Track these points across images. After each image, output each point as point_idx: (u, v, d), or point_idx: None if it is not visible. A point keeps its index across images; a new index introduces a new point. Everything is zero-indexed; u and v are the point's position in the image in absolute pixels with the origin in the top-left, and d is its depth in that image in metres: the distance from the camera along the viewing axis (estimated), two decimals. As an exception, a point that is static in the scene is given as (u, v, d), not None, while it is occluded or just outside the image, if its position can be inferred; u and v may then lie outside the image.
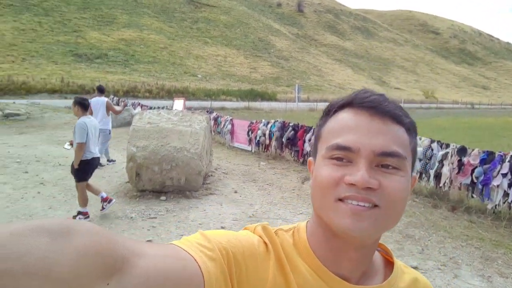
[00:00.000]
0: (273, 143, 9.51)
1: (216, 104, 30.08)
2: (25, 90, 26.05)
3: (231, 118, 11.63)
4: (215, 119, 12.21)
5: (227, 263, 0.54)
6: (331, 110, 0.65)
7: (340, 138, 0.58)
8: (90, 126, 4.97)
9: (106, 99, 8.39)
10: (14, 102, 18.07)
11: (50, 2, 53.44)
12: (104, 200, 5.20)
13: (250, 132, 10.38)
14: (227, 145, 11.40)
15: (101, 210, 5.20)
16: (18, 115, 15.03)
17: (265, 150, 9.91)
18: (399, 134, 0.59)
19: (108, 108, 8.25)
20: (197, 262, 0.49)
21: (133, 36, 53.03)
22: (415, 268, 3.79)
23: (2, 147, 9.74)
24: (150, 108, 15.47)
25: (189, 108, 17.02)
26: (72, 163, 5.05)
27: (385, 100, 0.61)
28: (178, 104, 11.27)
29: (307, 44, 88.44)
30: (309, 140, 8.46)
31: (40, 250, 0.34)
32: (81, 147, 4.86)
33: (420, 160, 5.95)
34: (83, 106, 5.03)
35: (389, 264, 0.72)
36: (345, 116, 0.61)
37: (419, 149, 5.92)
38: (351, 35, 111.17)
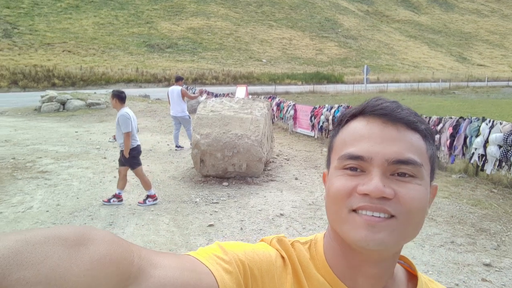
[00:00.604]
0: (337, 128, 9.25)
1: (280, 88, 30.00)
2: (105, 81, 28.39)
3: (294, 103, 11.53)
4: (278, 105, 12.19)
5: (243, 277, 0.53)
6: (343, 120, 0.63)
7: (353, 147, 0.57)
8: (132, 115, 5.24)
9: (180, 87, 8.93)
10: (95, 92, 19.81)
11: (126, -4, 57.02)
12: (117, 196, 5.35)
13: (313, 118, 10.21)
14: (289, 131, 11.35)
15: (106, 201, 5.28)
16: (98, 104, 16.46)
17: (328, 136, 9.69)
18: (413, 141, 0.56)
19: (183, 95, 8.81)
20: (213, 275, 0.49)
21: (200, 24, 54.65)
22: (488, 265, 3.49)
23: (85, 135, 10.77)
24: (216, 95, 15.94)
25: (252, 95, 17.23)
26: (121, 154, 5.30)
27: (398, 107, 0.58)
28: (241, 91, 11.41)
29: (378, 21, 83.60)
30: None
31: (55, 259, 0.34)
32: (129, 135, 5.13)
33: (500, 147, 5.37)
34: (121, 98, 5.22)
35: (413, 278, 0.68)
36: (357, 125, 0.59)
37: (499, 135, 5.34)
38: (427, 8, 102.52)
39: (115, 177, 6.59)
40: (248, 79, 37.22)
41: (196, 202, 5.42)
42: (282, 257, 0.61)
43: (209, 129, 6.36)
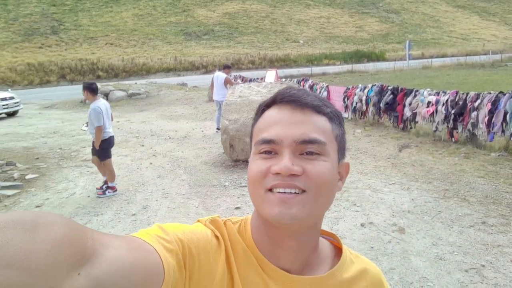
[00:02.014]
0: (370, 109, 9.02)
1: (317, 69, 29.41)
2: (145, 71, 29.34)
3: (326, 85, 11.33)
4: (311, 87, 12.03)
5: (182, 254, 0.56)
6: (259, 109, 0.68)
7: (265, 133, 0.62)
8: (103, 108, 5.23)
9: (225, 75, 9.25)
10: (136, 83, 20.61)
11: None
12: (111, 187, 5.43)
13: (346, 99, 10.01)
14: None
15: (99, 194, 5.35)
16: (139, 94, 17.12)
17: (362, 116, 9.47)
18: (319, 123, 0.62)
19: (226, 82, 9.07)
20: (158, 253, 0.51)
21: (236, 9, 54.46)
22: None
23: (125, 124, 11.32)
24: (250, 80, 16.00)
25: (287, 77, 17.08)
26: (93, 145, 5.39)
27: (305, 93, 0.64)
28: (270, 75, 11.42)
29: (422, -8, 78.67)
30: (410, 104, 7.79)
31: (16, 242, 0.35)
32: (100, 129, 5.16)
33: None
34: (91, 90, 5.22)
35: (340, 253, 0.72)
36: (270, 113, 0.65)
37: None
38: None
39: (151, 163, 6.94)
40: (284, 62, 36.82)
41: (225, 186, 5.59)
42: (217, 237, 0.65)
43: (237, 115, 6.46)
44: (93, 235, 0.44)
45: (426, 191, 4.90)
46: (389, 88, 8.59)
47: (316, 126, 0.61)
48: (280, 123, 0.62)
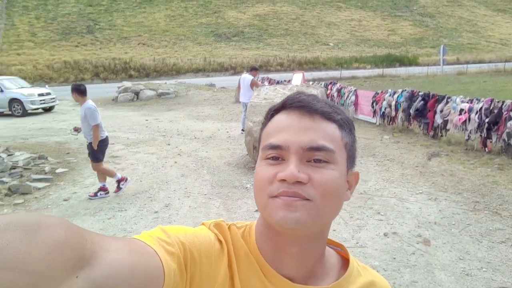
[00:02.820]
0: (400, 114, 8.77)
1: (347, 73, 28.97)
2: (175, 71, 29.89)
3: (355, 89, 11.12)
4: (339, 91, 11.85)
5: (183, 258, 0.56)
6: (269, 114, 0.68)
7: (273, 138, 0.61)
8: (97, 108, 5.19)
9: (251, 77, 9.31)
10: (165, 83, 21.02)
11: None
12: (120, 180, 5.42)
13: (374, 103, 9.78)
14: (350, 117, 10.99)
15: (92, 195, 5.30)
16: (168, 93, 17.44)
17: (391, 122, 9.22)
18: (328, 130, 0.61)
19: (253, 84, 9.12)
20: (159, 256, 0.51)
21: (266, 11, 54.57)
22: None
23: (154, 123, 11.55)
24: (277, 82, 15.95)
25: (315, 80, 16.92)
26: (88, 147, 5.28)
27: (315, 99, 0.63)
28: (297, 78, 11.34)
29: (459, -5, 76.07)
30: (441, 111, 7.51)
31: (16, 244, 0.35)
32: (98, 127, 5.09)
33: None
34: (80, 92, 5.10)
35: (347, 265, 0.71)
36: (279, 118, 0.64)
37: None
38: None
39: (175, 162, 7.03)
40: (313, 64, 36.54)
41: (247, 187, 5.58)
42: (220, 241, 0.64)
43: (261, 117, 6.41)
44: (92, 238, 0.44)
45: (455, 203, 4.70)
46: (419, 94, 8.33)
47: (325, 133, 0.60)
48: (288, 129, 0.61)
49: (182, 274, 0.55)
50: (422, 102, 8.13)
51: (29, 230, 0.37)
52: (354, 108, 10.87)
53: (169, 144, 8.50)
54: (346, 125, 0.65)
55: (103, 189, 5.36)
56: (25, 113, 14.25)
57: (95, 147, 5.15)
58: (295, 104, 0.63)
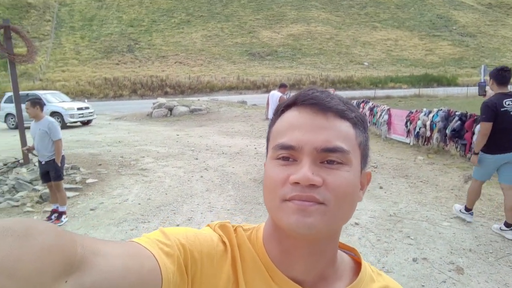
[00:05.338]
0: (435, 135, 8.39)
1: (381, 92, 28.43)
2: (209, 88, 30.56)
3: (388, 107, 10.81)
4: (371, 109, 11.58)
5: (183, 259, 0.55)
6: (279, 110, 0.65)
7: (285, 137, 0.59)
8: None
9: (280, 94, 9.26)
10: (198, 99, 21.48)
11: (230, 8, 60.74)
12: (64, 212, 5.02)
13: (408, 123, 9.44)
14: (383, 136, 10.68)
15: (47, 220, 4.87)
16: (200, 110, 17.78)
17: (426, 143, 8.84)
18: (342, 129, 0.58)
19: (281, 101, 9.06)
20: (155, 259, 0.51)
21: (300, 31, 55.08)
22: None
23: (184, 137, 11.74)
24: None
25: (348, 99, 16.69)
26: (43, 165, 4.95)
27: (328, 96, 0.60)
28: (327, 95, 11.12)
29: (503, 14, 73.40)
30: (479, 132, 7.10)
31: (4, 249, 0.35)
32: (61, 142, 4.87)
33: None
34: (42, 106, 4.88)
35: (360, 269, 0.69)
36: (290, 115, 0.61)
37: None
38: None
39: (201, 176, 7.05)
40: (347, 84, 36.19)
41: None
42: (224, 243, 0.63)
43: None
44: (84, 242, 0.43)
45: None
46: (456, 113, 7.95)
47: (339, 133, 0.58)
48: (300, 128, 0.58)
49: (183, 276, 0.54)
50: (459, 122, 7.74)
51: (18, 235, 0.37)
52: (387, 127, 10.55)
53: (197, 159, 8.57)
54: (360, 123, 0.62)
55: (65, 212, 5.03)
56: (64, 126, 14.95)
57: (58, 163, 4.86)
58: (307, 101, 0.59)
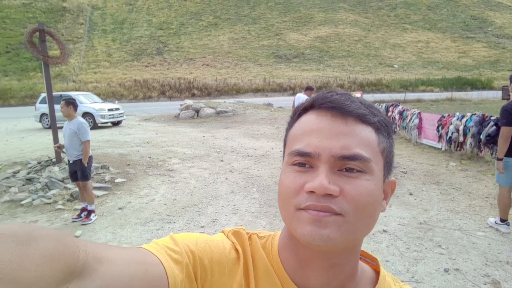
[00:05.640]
0: (469, 140, 8.05)
1: (412, 95, 27.67)
2: (235, 91, 30.75)
3: (418, 111, 10.49)
4: (401, 113, 11.26)
5: (193, 266, 0.54)
6: (296, 113, 0.62)
7: (301, 143, 0.56)
8: None
9: (306, 96, 9.25)
10: (224, 101, 21.63)
11: (258, 11, 60.99)
12: (93, 211, 5.14)
13: (440, 128, 9.11)
14: (413, 141, 10.36)
15: (77, 218, 5.07)
16: (226, 112, 17.89)
17: (458, 148, 8.50)
18: (363, 135, 0.55)
19: None
20: (163, 265, 0.50)
21: (328, 33, 54.56)
22: None
23: (210, 139, 11.83)
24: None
25: (376, 102, 16.32)
26: (73, 165, 5.05)
27: (348, 99, 0.57)
28: (355, 98, 10.92)
29: (543, 15, 69.98)
30: (518, 137, 6.76)
31: (6, 255, 0.35)
32: (88, 144, 4.97)
33: None
34: (75, 106, 5.00)
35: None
36: (307, 119, 0.58)
37: None
38: None
39: (226, 178, 7.06)
40: (376, 86, 35.50)
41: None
42: (237, 250, 0.61)
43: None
44: (86, 248, 0.43)
45: (533, 241, 4.11)
46: (491, 118, 7.60)
47: (360, 139, 0.54)
48: (318, 133, 0.55)
49: (192, 284, 0.53)
50: (494, 127, 7.39)
51: (19, 241, 0.37)
52: (418, 131, 10.23)
53: (222, 161, 8.60)
54: (384, 128, 0.58)
55: (94, 211, 5.14)
56: (95, 126, 15.41)
57: (85, 163, 4.98)
58: (326, 104, 0.56)
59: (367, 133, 0.55)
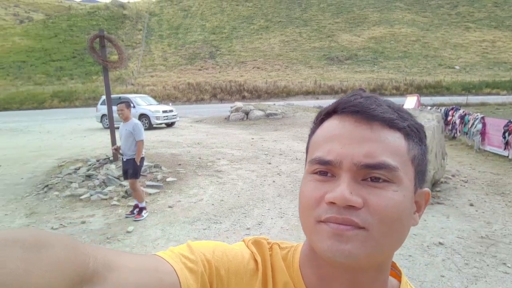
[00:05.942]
0: (541, 147, 7.33)
1: (475, 99, 25.85)
2: (286, 93, 30.68)
3: (482, 116, 9.74)
4: (462, 117, 10.53)
5: (208, 276, 0.53)
6: (318, 118, 0.59)
7: (322, 150, 0.52)
8: None
9: None
10: (274, 104, 21.63)
11: (309, 13, 60.49)
12: (144, 208, 5.31)
13: (507, 134, 8.39)
14: (475, 148, 9.63)
15: (130, 214, 5.29)
16: (275, 114, 17.88)
17: (528, 156, 7.77)
18: (390, 141, 0.50)
19: None
20: (177, 274, 0.49)
21: (383, 33, 52.71)
22: None
23: (259, 141, 11.88)
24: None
25: (435, 105, 15.45)
26: (126, 163, 5.24)
27: (373, 102, 0.52)
28: (410, 101, 10.44)
29: None
30: None
31: (14, 262, 0.34)
32: (142, 144, 5.15)
33: None
34: (130, 108, 5.27)
35: None
36: (329, 125, 0.55)
37: None
38: None
39: (274, 181, 7.03)
40: (434, 89, 33.64)
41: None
42: (256, 261, 0.59)
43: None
44: (97, 255, 0.42)
45: None
46: None
47: (386, 145, 0.50)
48: (340, 139, 0.51)
49: None
50: None
51: (28, 247, 0.36)
52: (481, 137, 9.50)
53: (270, 163, 8.58)
54: (415, 133, 0.53)
55: (145, 208, 5.37)
56: (150, 127, 16.11)
57: (138, 162, 5.17)
58: (349, 108, 0.52)
59: (395, 139, 0.51)
